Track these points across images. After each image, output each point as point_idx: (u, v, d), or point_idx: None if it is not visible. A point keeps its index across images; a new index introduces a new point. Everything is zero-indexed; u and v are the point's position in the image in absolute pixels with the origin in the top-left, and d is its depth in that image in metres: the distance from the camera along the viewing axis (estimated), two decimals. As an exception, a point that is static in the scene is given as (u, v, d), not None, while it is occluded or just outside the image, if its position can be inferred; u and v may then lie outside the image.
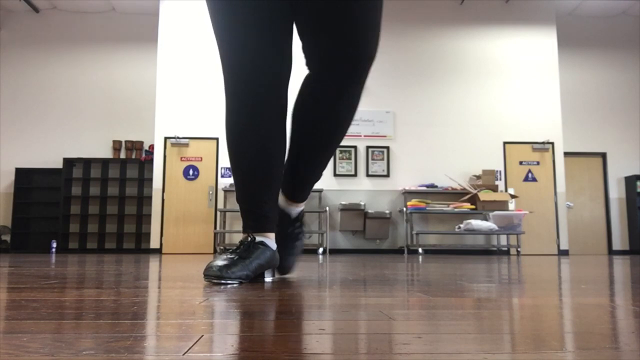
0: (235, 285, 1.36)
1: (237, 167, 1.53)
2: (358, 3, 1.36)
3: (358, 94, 1.48)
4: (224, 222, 8.69)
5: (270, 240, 1.52)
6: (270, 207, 1.53)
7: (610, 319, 0.75)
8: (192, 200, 8.80)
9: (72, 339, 0.56)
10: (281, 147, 1.54)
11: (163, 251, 8.65)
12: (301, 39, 1.48)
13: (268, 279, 1.53)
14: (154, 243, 8.68)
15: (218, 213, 8.69)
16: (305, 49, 1.47)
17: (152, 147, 9.45)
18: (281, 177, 1.57)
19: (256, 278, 1.49)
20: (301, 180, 1.63)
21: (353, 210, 8.37)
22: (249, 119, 1.49)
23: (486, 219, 8.29)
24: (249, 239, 1.48)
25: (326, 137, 1.55)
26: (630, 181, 10.04)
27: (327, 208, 8.52)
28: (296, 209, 1.68)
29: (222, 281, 1.37)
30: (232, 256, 1.44)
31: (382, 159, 8.88)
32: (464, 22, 9.43)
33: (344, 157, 8.92)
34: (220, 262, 1.41)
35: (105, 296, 1.04)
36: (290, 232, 1.65)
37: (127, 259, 4.02)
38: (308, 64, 1.48)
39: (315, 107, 1.50)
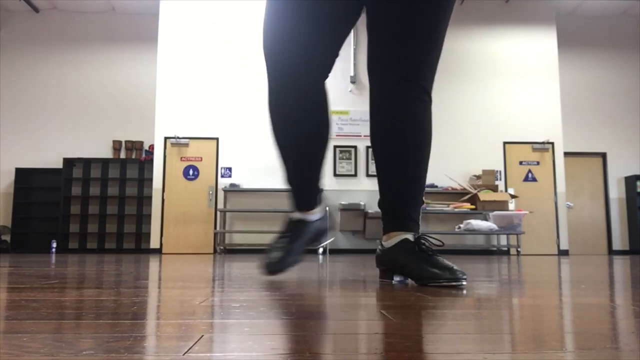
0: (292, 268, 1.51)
1: (291, 152, 1.56)
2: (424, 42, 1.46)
3: (414, 104, 1.51)
4: (224, 222, 8.69)
5: (311, 215, 1.62)
6: (315, 184, 1.62)
7: (610, 319, 0.75)
8: (192, 200, 8.80)
9: (72, 339, 0.56)
10: (323, 129, 1.56)
11: (163, 251, 8.64)
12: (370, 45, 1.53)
13: (320, 249, 1.63)
14: (154, 243, 8.68)
15: (218, 213, 8.69)
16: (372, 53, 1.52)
17: (152, 147, 9.45)
18: (323, 156, 1.59)
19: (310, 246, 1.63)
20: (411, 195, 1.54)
21: (353, 210, 8.37)
22: (290, 108, 1.51)
23: (486, 219, 8.29)
24: (291, 220, 1.60)
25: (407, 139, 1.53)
26: (630, 181, 10.04)
27: (327, 208, 8.51)
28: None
29: (276, 274, 1.51)
30: (281, 245, 1.55)
31: (382, 159, 8.88)
32: (464, 22, 9.42)
33: (344, 157, 8.92)
34: (277, 254, 1.52)
35: (105, 296, 1.04)
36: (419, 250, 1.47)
37: (127, 259, 4.01)
38: (371, 65, 1.53)
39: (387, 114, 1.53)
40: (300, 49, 1.44)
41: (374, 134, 1.56)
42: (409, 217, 1.49)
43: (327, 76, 1.53)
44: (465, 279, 1.32)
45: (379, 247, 1.54)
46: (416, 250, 1.41)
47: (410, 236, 1.45)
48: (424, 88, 1.49)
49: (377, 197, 1.59)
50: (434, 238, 1.46)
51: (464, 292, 1.17)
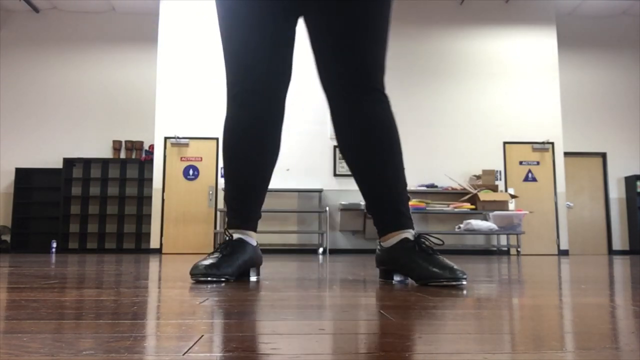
0: (222, 282, 1.37)
1: (232, 170, 1.58)
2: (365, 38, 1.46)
3: (373, 107, 1.49)
4: (224, 222, 8.68)
5: (250, 237, 1.56)
6: (257, 207, 1.61)
7: (610, 319, 0.75)
8: (192, 200, 8.80)
9: (72, 339, 0.56)
10: (275, 152, 1.61)
11: (163, 251, 8.64)
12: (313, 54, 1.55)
13: (253, 278, 1.55)
14: (154, 243, 8.68)
15: (218, 213, 8.69)
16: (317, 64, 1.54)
17: (152, 147, 9.45)
18: (269, 181, 1.63)
19: (242, 276, 1.51)
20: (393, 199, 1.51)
21: (353, 210, 8.37)
22: (250, 123, 1.55)
23: (486, 219, 8.29)
24: (227, 238, 1.53)
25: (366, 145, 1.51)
26: (630, 181, 10.04)
27: (327, 208, 8.52)
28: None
29: (209, 279, 1.39)
30: (217, 255, 1.47)
31: (382, 159, 8.89)
32: (464, 22, 9.42)
33: (344, 157, 8.92)
34: (206, 261, 1.44)
35: (105, 296, 1.04)
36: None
37: (127, 259, 4.01)
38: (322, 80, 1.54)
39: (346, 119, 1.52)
40: (256, 56, 1.50)
41: (343, 146, 1.54)
42: (401, 214, 1.49)
43: (285, 88, 1.56)
44: (465, 278, 1.32)
45: (378, 247, 1.54)
46: (417, 250, 1.41)
47: (409, 235, 1.45)
48: (379, 90, 1.50)
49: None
50: (434, 237, 1.46)
51: (464, 292, 1.17)
